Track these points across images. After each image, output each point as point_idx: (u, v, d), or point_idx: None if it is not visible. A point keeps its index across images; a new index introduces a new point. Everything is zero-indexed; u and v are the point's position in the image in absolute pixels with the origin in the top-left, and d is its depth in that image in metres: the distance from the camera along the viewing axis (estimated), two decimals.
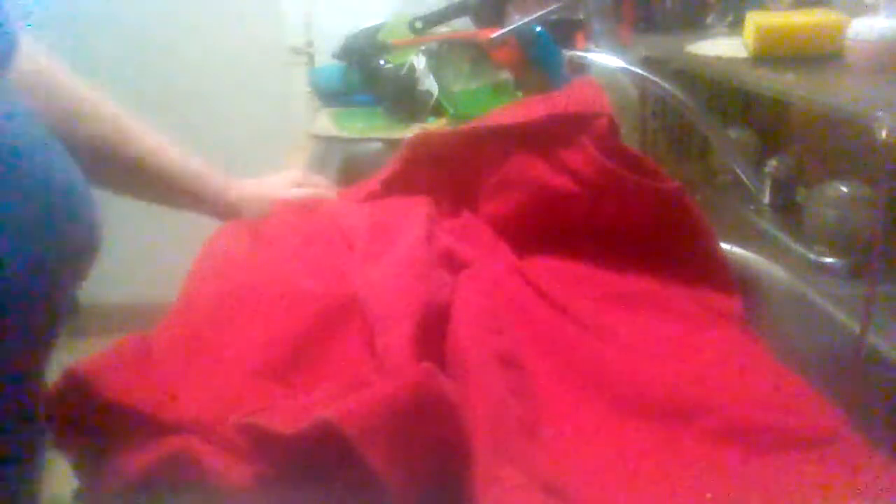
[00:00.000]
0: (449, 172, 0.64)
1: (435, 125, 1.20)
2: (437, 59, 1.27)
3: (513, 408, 0.39)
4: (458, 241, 0.56)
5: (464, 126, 0.66)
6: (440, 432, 0.35)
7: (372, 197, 0.67)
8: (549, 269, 0.58)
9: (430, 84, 1.24)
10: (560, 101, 0.62)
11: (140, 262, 1.82)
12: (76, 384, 0.38)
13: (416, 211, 0.59)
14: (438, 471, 0.36)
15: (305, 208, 0.67)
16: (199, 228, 0.66)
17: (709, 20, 0.99)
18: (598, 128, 0.58)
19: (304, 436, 0.33)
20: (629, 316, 0.53)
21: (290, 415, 0.36)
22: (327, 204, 0.68)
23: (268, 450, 0.35)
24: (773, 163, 0.80)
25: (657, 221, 0.58)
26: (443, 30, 1.30)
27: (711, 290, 0.56)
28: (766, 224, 0.77)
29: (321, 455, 0.34)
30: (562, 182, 0.58)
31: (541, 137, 0.60)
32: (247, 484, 0.34)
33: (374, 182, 0.68)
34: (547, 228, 0.60)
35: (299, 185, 0.74)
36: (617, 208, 0.58)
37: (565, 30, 1.00)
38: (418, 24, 1.27)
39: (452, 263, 0.52)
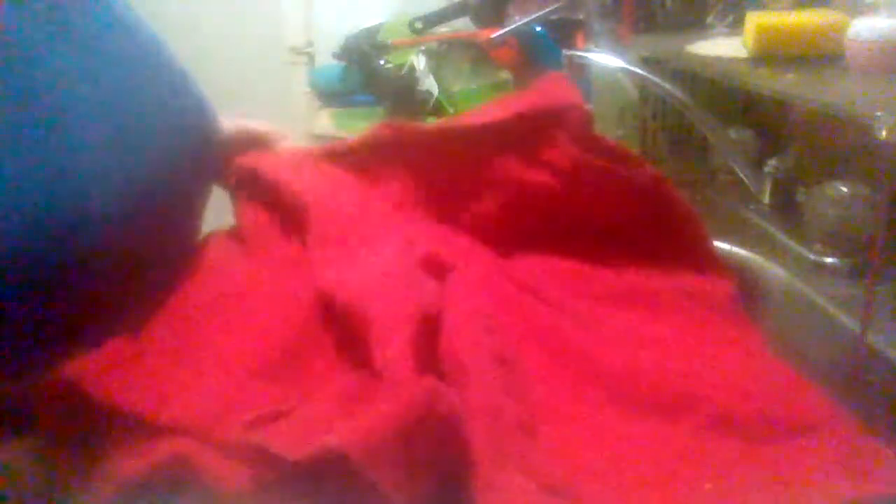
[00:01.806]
0: (420, 173, 0.63)
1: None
2: (437, 59, 1.27)
3: (511, 408, 0.39)
4: (438, 244, 0.56)
5: (435, 125, 0.65)
6: (446, 447, 0.35)
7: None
8: (534, 267, 0.57)
9: (430, 84, 1.25)
10: (531, 98, 0.62)
11: None
12: (65, 385, 0.38)
13: (390, 211, 0.58)
14: (443, 481, 0.36)
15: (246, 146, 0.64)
16: None
17: (709, 20, 0.99)
18: (571, 120, 0.58)
19: (309, 460, 0.33)
20: (620, 311, 0.53)
21: (292, 433, 0.35)
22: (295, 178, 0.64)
23: (269, 462, 0.34)
24: (773, 163, 0.80)
25: (639, 210, 0.57)
26: (443, 30, 1.30)
27: (701, 279, 0.55)
28: (766, 224, 0.77)
29: (325, 473, 0.33)
30: (539, 177, 0.58)
31: (514, 135, 0.60)
32: (245, 488, 0.34)
33: (336, 158, 0.64)
34: (529, 227, 0.60)
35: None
36: (597, 198, 0.57)
37: (565, 30, 1.00)
38: (418, 24, 1.27)
39: (436, 267, 0.51)
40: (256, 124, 0.68)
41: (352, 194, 0.59)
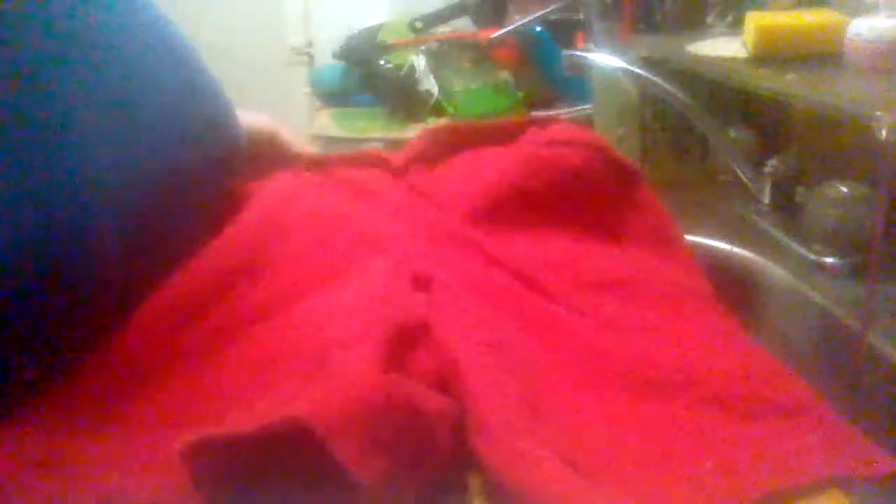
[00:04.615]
0: (415, 153, 0.68)
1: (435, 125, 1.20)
2: (437, 59, 1.27)
3: (512, 386, 0.40)
4: (430, 246, 0.56)
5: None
6: (407, 435, 0.36)
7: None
8: (525, 255, 0.58)
9: (430, 84, 1.25)
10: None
11: None
12: None
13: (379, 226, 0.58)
14: (414, 474, 0.36)
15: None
16: None
17: (709, 20, 0.99)
18: (549, 124, 0.65)
19: (267, 433, 0.32)
20: (610, 299, 0.53)
21: (246, 418, 0.34)
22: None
23: (219, 469, 0.32)
24: (773, 163, 0.80)
25: (619, 193, 0.60)
26: (443, 30, 1.30)
27: (681, 272, 0.57)
28: (766, 224, 0.77)
29: (287, 452, 0.33)
30: (529, 149, 0.62)
31: (502, 134, 0.67)
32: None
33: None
34: (521, 210, 0.61)
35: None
36: (582, 164, 0.60)
37: (565, 30, 1.01)
38: (418, 24, 1.27)
39: (422, 279, 0.51)
40: (265, 120, 0.70)
41: (339, 201, 0.60)
